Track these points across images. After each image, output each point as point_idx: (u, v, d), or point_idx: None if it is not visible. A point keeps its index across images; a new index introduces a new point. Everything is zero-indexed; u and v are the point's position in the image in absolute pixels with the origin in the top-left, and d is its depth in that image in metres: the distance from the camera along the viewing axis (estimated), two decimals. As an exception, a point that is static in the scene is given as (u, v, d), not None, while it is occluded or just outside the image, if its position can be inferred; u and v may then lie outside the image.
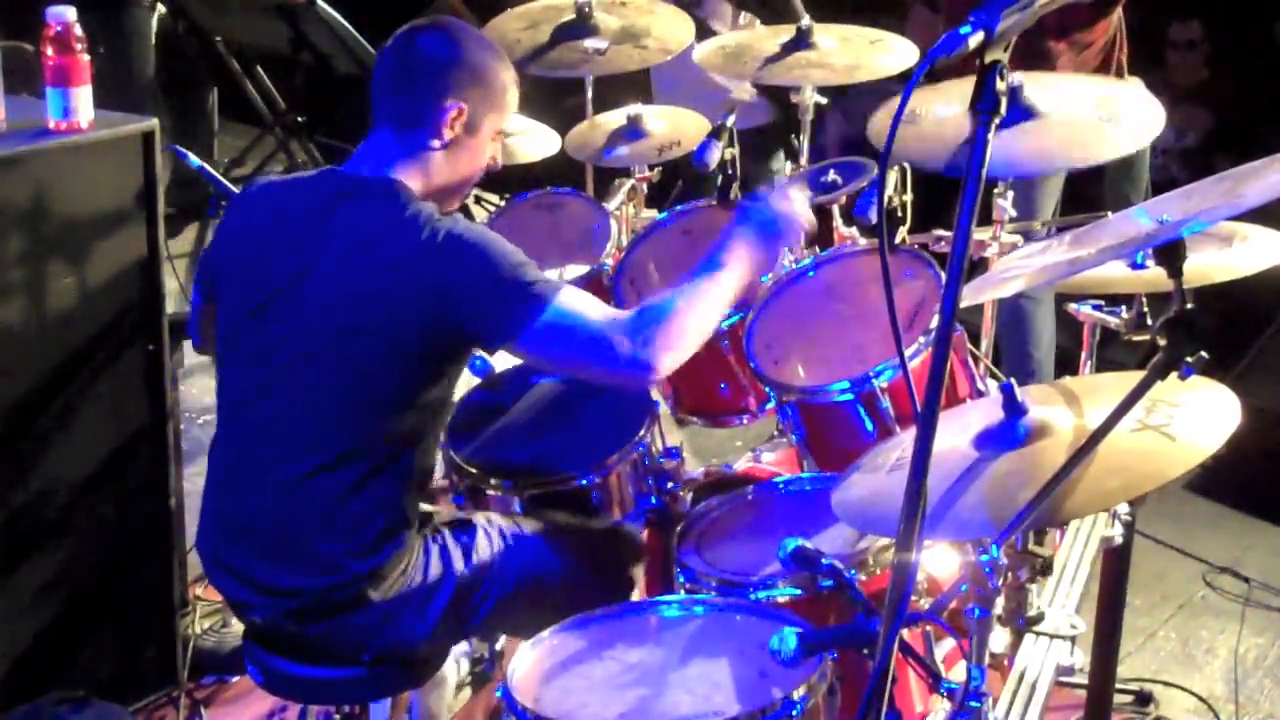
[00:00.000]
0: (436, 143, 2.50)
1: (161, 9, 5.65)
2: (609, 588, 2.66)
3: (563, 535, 2.70)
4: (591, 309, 2.42)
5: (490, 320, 2.39)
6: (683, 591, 2.56)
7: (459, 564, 2.57)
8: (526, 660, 2.29)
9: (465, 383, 3.11)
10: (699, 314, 2.43)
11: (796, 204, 2.66)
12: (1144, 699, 3.49)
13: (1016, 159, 2.69)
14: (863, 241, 3.24)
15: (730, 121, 3.29)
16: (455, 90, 2.49)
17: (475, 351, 2.75)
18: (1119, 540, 2.45)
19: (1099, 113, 2.73)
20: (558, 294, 2.39)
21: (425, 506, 2.66)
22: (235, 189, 3.33)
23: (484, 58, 2.55)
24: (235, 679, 3.44)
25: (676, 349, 2.40)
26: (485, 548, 2.60)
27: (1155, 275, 2.40)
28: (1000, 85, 1.56)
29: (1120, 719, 3.42)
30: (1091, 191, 4.73)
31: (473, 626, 2.65)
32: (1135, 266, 2.56)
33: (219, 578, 2.60)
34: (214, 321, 2.62)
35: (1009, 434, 1.96)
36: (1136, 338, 2.73)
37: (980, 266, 3.18)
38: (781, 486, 2.83)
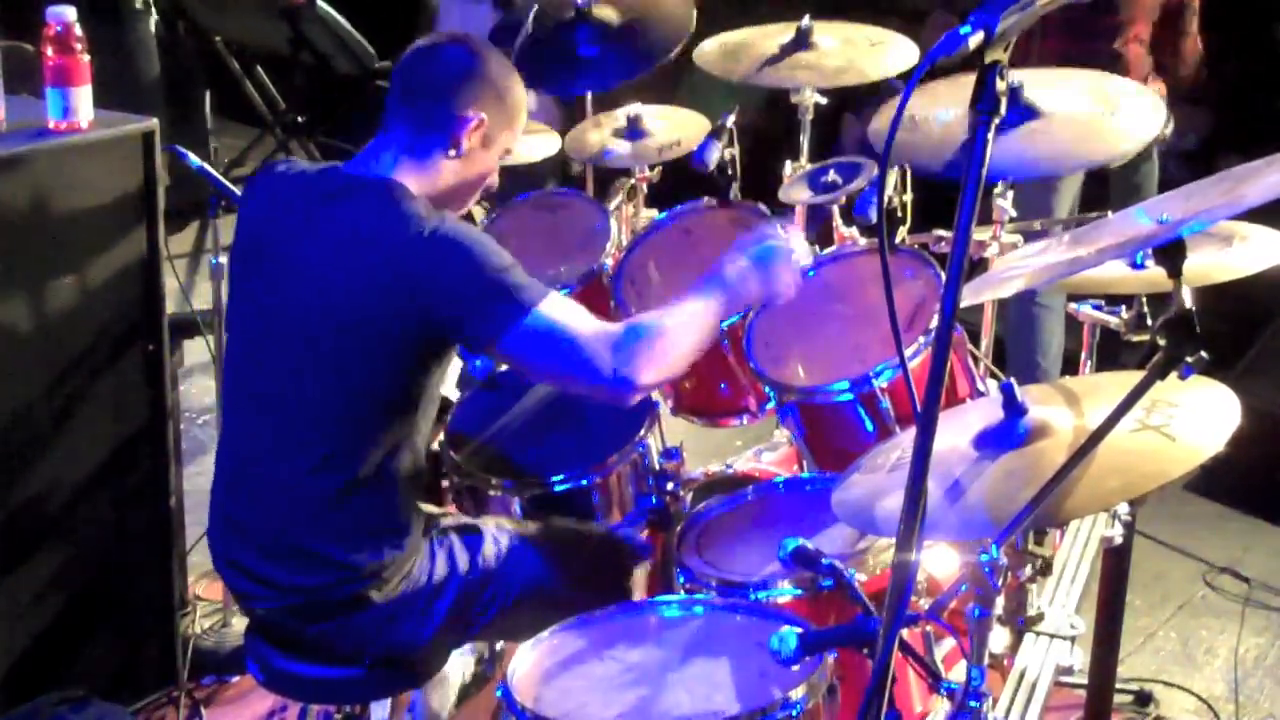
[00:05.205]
0: (452, 152, 2.49)
1: (155, 14, 5.65)
2: (611, 599, 2.64)
3: (568, 544, 2.70)
4: (577, 318, 2.40)
5: (473, 320, 2.37)
6: (683, 591, 2.56)
7: (464, 568, 2.56)
8: (526, 660, 2.29)
9: (465, 383, 3.11)
10: (686, 338, 2.43)
11: (795, 248, 2.65)
12: (1144, 699, 3.49)
13: (1028, 161, 2.66)
14: (863, 241, 3.24)
15: (730, 121, 3.29)
16: (478, 102, 2.49)
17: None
18: (1119, 540, 2.45)
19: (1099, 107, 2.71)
20: (543, 299, 2.37)
21: (431, 509, 2.66)
22: (235, 189, 3.33)
23: (505, 74, 2.55)
24: (235, 679, 3.44)
25: (659, 369, 2.39)
26: (492, 554, 2.60)
27: (1155, 275, 2.40)
28: (1000, 85, 1.56)
29: (1120, 719, 3.42)
30: (1101, 197, 4.72)
31: (476, 631, 2.65)
32: (1135, 266, 2.56)
33: (224, 569, 2.61)
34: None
35: (1009, 434, 1.96)
36: (1136, 338, 2.72)
37: (980, 266, 3.18)
38: (781, 486, 2.83)
